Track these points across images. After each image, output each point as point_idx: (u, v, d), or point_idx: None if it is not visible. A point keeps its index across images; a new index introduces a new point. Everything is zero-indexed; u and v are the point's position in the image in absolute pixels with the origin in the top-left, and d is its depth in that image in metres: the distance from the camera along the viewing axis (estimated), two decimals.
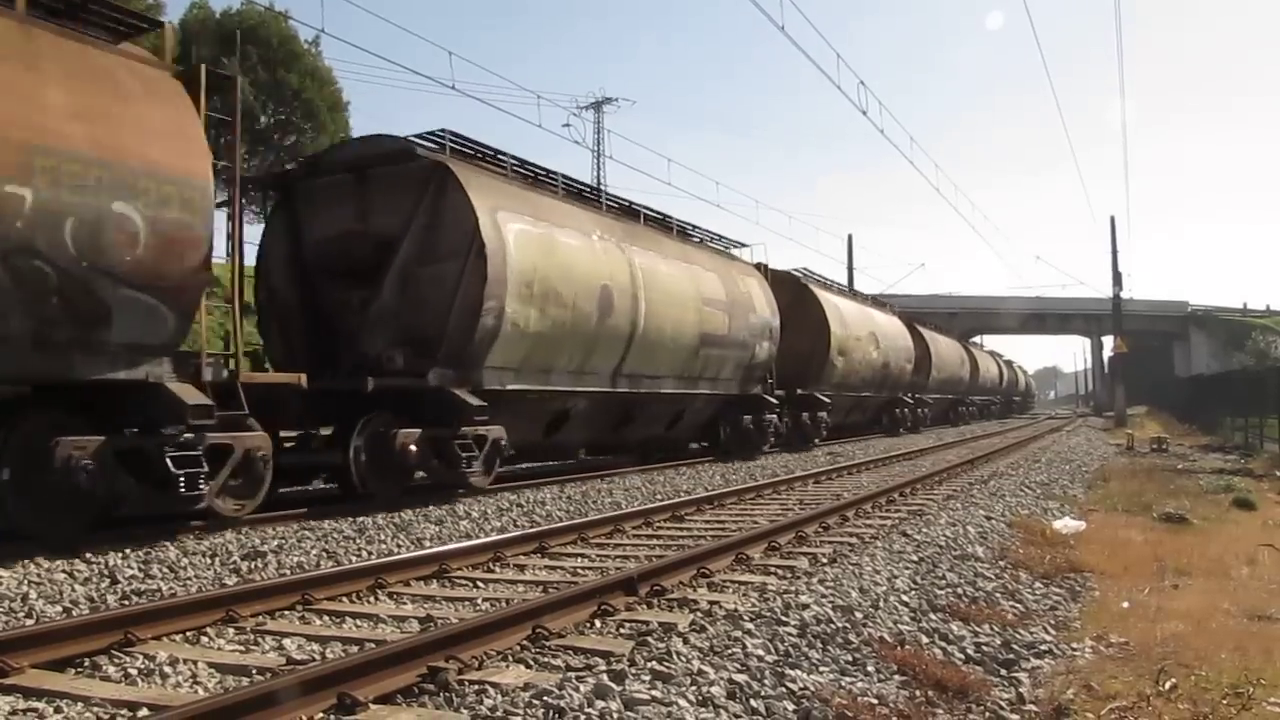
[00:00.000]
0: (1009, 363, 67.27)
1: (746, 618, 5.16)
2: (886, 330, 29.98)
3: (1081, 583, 7.21)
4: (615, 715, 3.68)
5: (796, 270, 24.70)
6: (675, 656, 4.37)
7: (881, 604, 5.74)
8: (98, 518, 8.12)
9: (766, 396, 20.39)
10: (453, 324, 11.59)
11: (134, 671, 4.38)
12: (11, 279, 7.17)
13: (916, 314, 39.35)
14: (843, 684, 4.24)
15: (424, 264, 11.81)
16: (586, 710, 3.69)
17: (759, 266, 21.28)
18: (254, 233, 15.02)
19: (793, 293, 23.12)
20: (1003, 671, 4.80)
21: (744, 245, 20.99)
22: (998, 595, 6.47)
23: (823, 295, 24.79)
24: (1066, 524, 10.02)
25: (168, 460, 8.06)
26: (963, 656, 4.98)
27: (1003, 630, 5.52)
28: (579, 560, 7.60)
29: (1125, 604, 6.53)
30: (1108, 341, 62.69)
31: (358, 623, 5.50)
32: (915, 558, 7.38)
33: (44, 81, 7.48)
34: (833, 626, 5.10)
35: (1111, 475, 16.75)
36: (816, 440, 23.79)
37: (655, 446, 18.55)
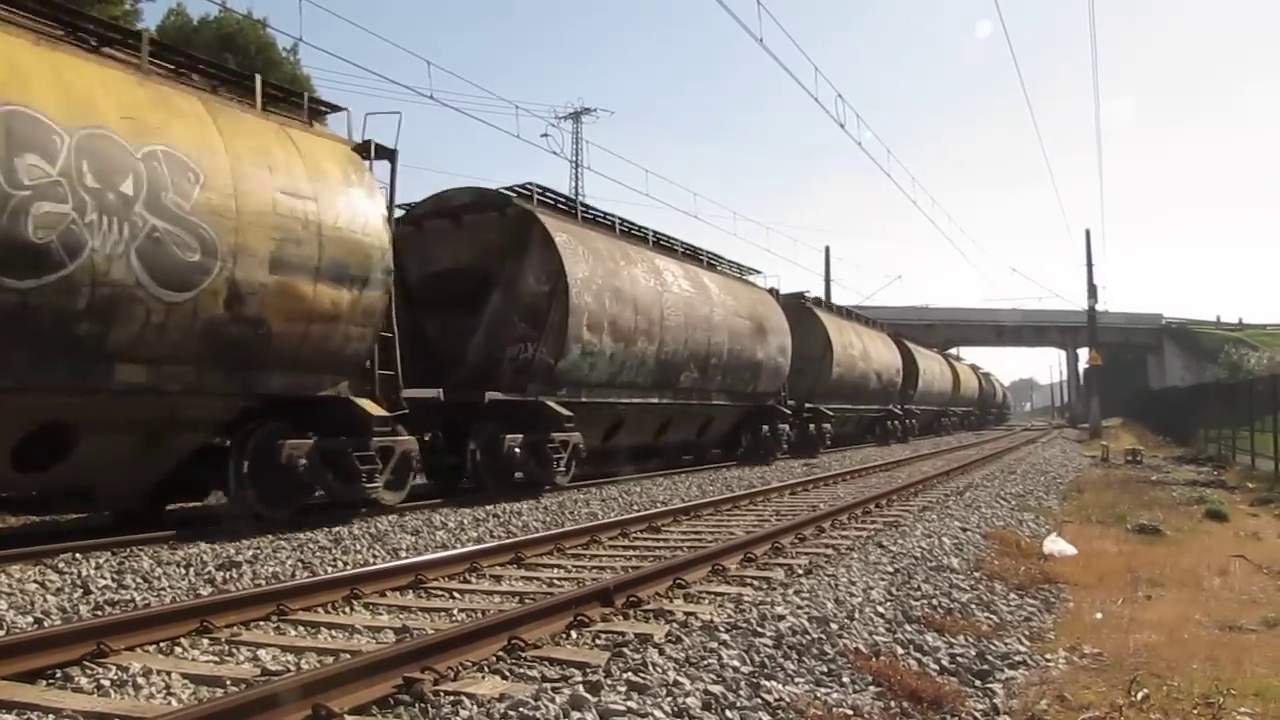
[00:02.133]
0: (985, 374, 67.67)
1: (722, 629, 5.17)
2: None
3: (1056, 594, 7.27)
4: None
5: None
6: (651, 667, 4.37)
7: (857, 615, 5.76)
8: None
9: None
10: None
11: (106, 682, 4.34)
12: None
13: (893, 326, 39.29)
14: (818, 695, 4.26)
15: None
16: None
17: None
18: None
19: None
20: (977, 682, 4.84)
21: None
22: (972, 606, 6.51)
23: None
24: (1056, 544, 9.60)
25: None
26: (937, 667, 5.01)
27: (977, 641, 5.55)
28: (555, 571, 7.59)
29: (1099, 615, 6.58)
30: (1083, 354, 63.22)
31: (333, 633, 5.47)
32: (891, 569, 7.41)
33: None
34: (808, 638, 5.11)
35: (1086, 487, 16.88)
36: None
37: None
